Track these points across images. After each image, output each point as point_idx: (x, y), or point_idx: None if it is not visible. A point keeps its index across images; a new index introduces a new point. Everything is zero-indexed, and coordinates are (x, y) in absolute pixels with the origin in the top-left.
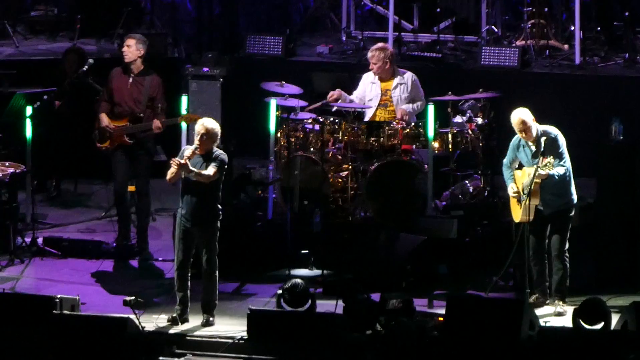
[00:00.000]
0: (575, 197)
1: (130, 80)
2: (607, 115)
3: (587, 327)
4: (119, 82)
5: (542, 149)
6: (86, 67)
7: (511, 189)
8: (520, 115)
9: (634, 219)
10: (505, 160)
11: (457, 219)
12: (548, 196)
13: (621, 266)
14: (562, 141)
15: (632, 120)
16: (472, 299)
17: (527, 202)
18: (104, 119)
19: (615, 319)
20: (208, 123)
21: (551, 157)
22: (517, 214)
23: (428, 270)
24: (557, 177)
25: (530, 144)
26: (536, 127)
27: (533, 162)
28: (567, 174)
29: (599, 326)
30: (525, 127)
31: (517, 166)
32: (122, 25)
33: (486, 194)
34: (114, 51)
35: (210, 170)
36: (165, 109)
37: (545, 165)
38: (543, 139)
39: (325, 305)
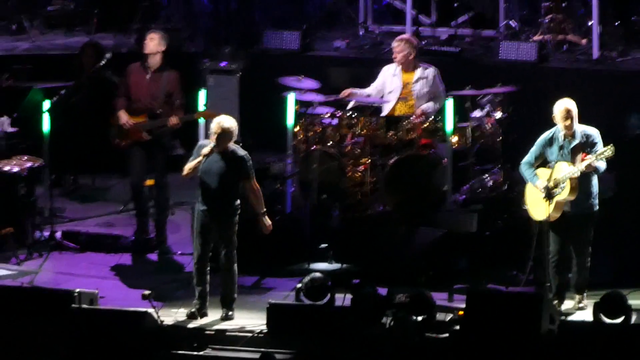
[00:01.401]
0: (597, 202)
1: (148, 76)
2: (625, 110)
3: (608, 321)
4: (137, 78)
5: (576, 144)
6: (103, 61)
7: (541, 186)
8: (566, 104)
9: None
10: (527, 159)
11: (477, 213)
12: (579, 194)
13: None
14: (600, 138)
15: None
16: (492, 293)
17: (566, 195)
18: (123, 117)
19: (635, 313)
20: (225, 122)
21: (610, 146)
22: (542, 211)
23: (448, 264)
24: (601, 171)
25: (568, 138)
26: (576, 119)
27: (571, 159)
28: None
29: (619, 320)
30: (570, 116)
31: (537, 164)
32: (138, 19)
33: (505, 187)
34: (130, 46)
35: (256, 188)
36: (183, 104)
37: (603, 153)
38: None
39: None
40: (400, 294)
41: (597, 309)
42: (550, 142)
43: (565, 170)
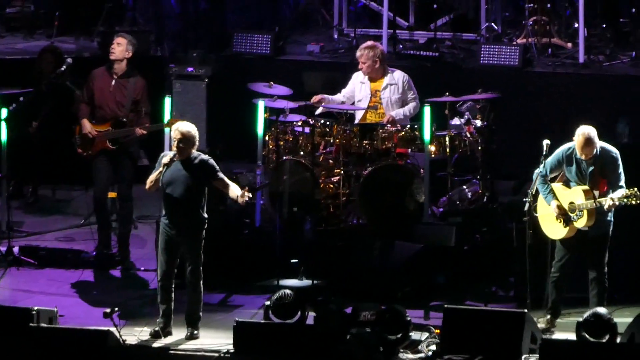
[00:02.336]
0: (612, 221)
1: (114, 82)
2: (613, 117)
3: (592, 340)
4: (102, 83)
5: (594, 167)
6: (64, 67)
7: (556, 208)
8: (587, 133)
9: None
10: (542, 170)
11: (455, 226)
12: (599, 217)
13: (628, 275)
14: (620, 161)
15: (639, 121)
16: (471, 310)
17: (584, 223)
18: (87, 126)
19: (621, 331)
20: (183, 127)
21: (636, 191)
22: (554, 230)
23: (425, 280)
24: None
25: (584, 160)
26: (597, 145)
27: (589, 182)
28: None
29: (604, 339)
30: (590, 145)
31: (552, 177)
32: (102, 22)
33: (485, 199)
34: (93, 50)
35: (230, 182)
36: (149, 112)
37: (631, 196)
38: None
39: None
40: (365, 312)
41: (581, 328)
42: (569, 159)
43: (584, 201)
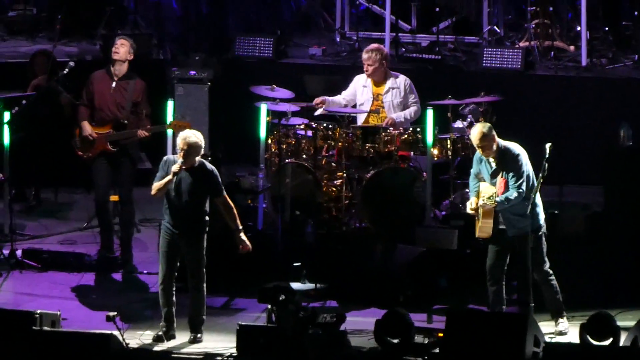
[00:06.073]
0: (541, 219)
1: (114, 84)
2: (615, 120)
3: (595, 343)
4: (101, 86)
5: (495, 167)
6: (67, 70)
7: (469, 204)
8: (480, 129)
9: None
10: (472, 171)
11: (458, 229)
12: (510, 216)
13: (631, 278)
14: (523, 160)
15: None
16: (474, 313)
17: (481, 222)
18: (87, 128)
19: (624, 334)
20: (190, 138)
21: (494, 193)
22: (476, 228)
23: (427, 283)
24: (506, 204)
25: (491, 160)
26: (497, 144)
27: (491, 181)
28: (522, 196)
29: (607, 342)
30: (483, 144)
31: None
32: (104, 25)
33: None
34: (95, 53)
35: (228, 203)
36: (150, 115)
37: (489, 198)
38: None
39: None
40: (325, 314)
41: (583, 331)
42: (480, 161)
43: (480, 198)
